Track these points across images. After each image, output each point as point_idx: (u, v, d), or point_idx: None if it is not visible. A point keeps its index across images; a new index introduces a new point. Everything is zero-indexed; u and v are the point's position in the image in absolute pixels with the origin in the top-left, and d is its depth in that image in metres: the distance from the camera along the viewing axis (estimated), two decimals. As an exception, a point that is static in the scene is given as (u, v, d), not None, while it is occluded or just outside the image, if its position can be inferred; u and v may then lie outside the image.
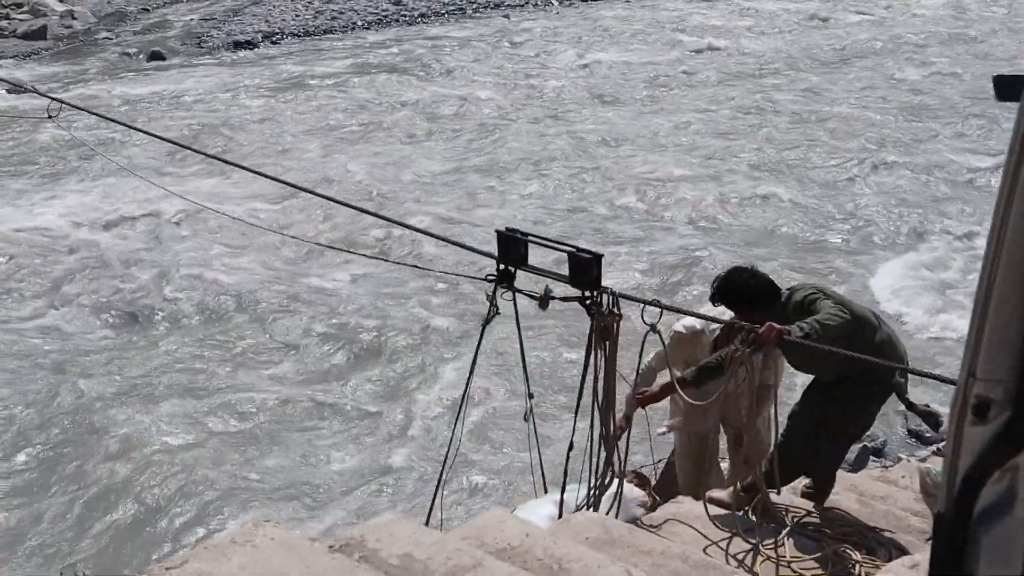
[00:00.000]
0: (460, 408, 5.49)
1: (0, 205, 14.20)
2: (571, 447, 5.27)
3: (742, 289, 5.30)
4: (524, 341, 5.57)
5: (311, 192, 8.08)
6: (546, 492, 5.79)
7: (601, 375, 5.10)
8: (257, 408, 9.19)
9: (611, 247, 12.45)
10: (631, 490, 5.62)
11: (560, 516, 5.27)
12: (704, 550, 4.99)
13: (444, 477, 5.61)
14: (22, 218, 13.68)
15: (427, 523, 5.46)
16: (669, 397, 5.79)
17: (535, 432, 5.46)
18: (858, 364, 4.98)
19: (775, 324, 4.86)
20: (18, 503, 7.81)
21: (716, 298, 5.40)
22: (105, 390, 9.38)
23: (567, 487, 5.45)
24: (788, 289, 5.42)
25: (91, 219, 13.69)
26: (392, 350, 10.38)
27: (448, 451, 5.49)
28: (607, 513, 5.23)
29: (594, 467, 5.29)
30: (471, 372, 5.56)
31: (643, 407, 5.59)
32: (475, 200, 14.81)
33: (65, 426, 8.81)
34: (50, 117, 7.69)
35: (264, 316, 11.06)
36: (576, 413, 5.30)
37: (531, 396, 5.53)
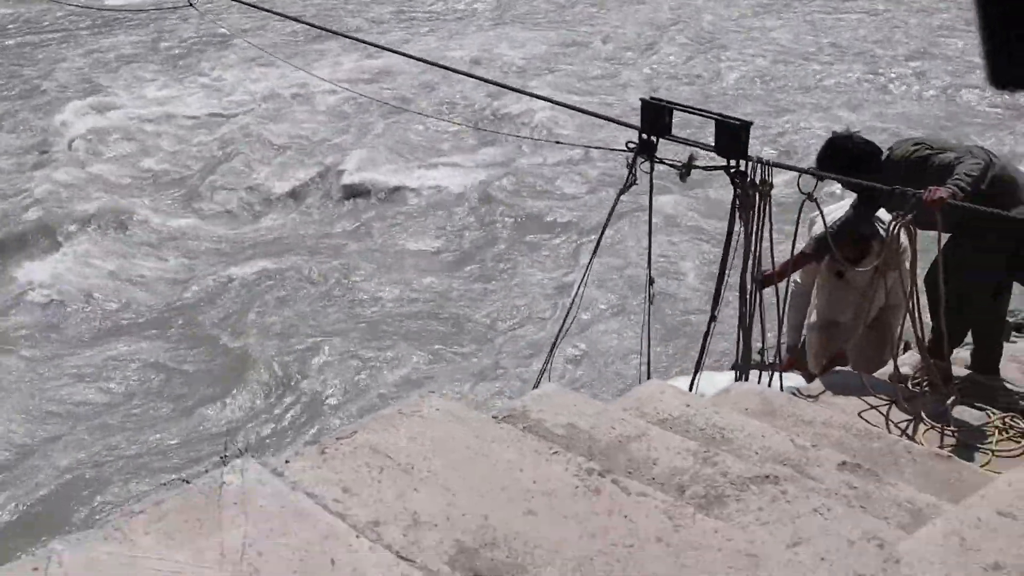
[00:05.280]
0: (584, 274, 5.49)
1: (158, 88, 14.60)
2: (713, 319, 5.28)
3: (841, 153, 5.21)
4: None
5: (449, 69, 7.96)
6: (649, 378, 5.67)
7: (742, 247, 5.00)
8: (411, 291, 9.40)
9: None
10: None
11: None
12: (861, 415, 4.92)
13: (558, 342, 5.60)
14: (176, 105, 14.06)
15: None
16: (815, 287, 5.93)
17: (649, 318, 5.37)
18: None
19: (939, 187, 4.65)
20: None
21: (823, 165, 5.26)
22: (264, 273, 9.71)
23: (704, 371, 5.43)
24: (888, 148, 5.27)
25: (228, 104, 14.00)
26: (531, 227, 10.46)
27: (563, 323, 5.49)
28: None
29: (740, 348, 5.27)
30: (597, 244, 5.52)
31: (769, 286, 5.44)
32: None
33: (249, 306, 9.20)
34: (191, 5, 7.78)
35: (402, 197, 11.21)
36: (719, 291, 5.21)
37: (652, 282, 5.44)
